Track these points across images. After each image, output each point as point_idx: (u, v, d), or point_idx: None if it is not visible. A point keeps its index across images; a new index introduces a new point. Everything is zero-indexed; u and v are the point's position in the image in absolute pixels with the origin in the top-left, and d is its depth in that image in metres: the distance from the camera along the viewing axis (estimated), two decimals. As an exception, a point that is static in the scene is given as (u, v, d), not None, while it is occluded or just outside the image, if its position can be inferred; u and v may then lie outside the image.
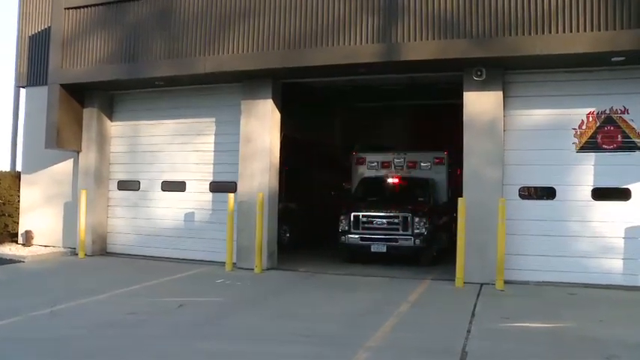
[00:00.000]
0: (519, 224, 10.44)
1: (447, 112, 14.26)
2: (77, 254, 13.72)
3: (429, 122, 15.58)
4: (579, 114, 10.36)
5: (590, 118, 10.33)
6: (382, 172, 14.97)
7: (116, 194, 14.40)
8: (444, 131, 13.80)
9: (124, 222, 14.22)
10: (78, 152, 14.19)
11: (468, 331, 7.29)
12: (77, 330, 7.28)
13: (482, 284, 10.13)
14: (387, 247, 12.40)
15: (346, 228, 12.80)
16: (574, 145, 10.36)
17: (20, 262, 12.99)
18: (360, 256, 12.98)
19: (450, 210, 13.57)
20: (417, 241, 12.31)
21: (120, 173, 14.39)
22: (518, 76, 10.64)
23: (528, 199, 10.62)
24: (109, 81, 13.09)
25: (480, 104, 10.57)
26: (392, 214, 12.63)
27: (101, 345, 6.67)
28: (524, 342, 6.86)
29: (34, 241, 14.67)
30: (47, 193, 14.76)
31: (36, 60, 15.10)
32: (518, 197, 10.59)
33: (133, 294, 9.64)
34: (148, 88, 13.66)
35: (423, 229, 12.42)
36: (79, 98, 13.99)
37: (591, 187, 10.28)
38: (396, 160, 14.98)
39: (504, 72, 10.58)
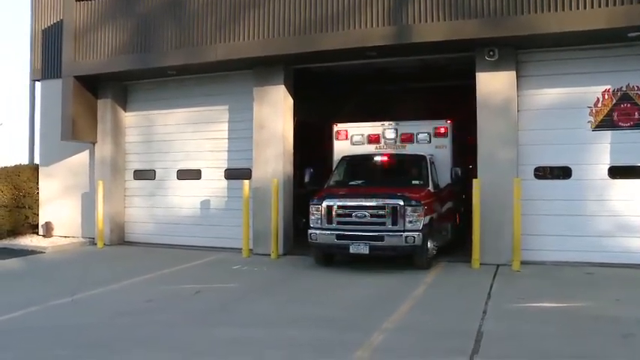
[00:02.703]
0: (535, 204, 10.36)
1: (459, 93, 13.67)
2: (96, 244, 13.91)
3: (442, 104, 14.41)
4: (594, 92, 10.21)
5: (606, 96, 10.18)
6: (370, 149, 12.07)
7: (132, 184, 14.55)
8: (457, 113, 13.05)
9: (141, 211, 14.37)
10: (93, 143, 14.34)
11: (484, 312, 7.30)
12: (96, 318, 7.41)
13: (498, 265, 10.11)
14: (370, 247, 9.71)
15: (318, 222, 10.19)
16: (589, 123, 10.23)
17: (41, 252, 13.22)
18: (336, 258, 10.80)
19: (456, 193, 11.97)
20: (410, 239, 9.64)
21: (135, 163, 14.52)
22: (532, 55, 10.51)
23: (544, 179, 10.54)
24: (122, 72, 13.19)
25: (492, 85, 10.48)
26: (376, 203, 9.92)
27: (119, 332, 6.79)
28: (540, 322, 6.85)
29: (54, 232, 14.88)
30: (65, 184, 14.95)
31: (49, 53, 15.21)
32: (533, 177, 10.52)
33: (151, 282, 9.77)
34: (161, 78, 13.72)
35: (418, 223, 9.72)
36: (92, 90, 14.11)
37: (608, 166, 10.16)
38: (386, 133, 11.98)
39: (517, 51, 10.45)
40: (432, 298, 8.22)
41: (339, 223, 10.04)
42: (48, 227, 14.88)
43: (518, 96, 10.49)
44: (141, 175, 14.44)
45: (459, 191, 12.01)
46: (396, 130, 11.95)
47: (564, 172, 10.41)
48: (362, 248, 9.76)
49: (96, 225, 13.97)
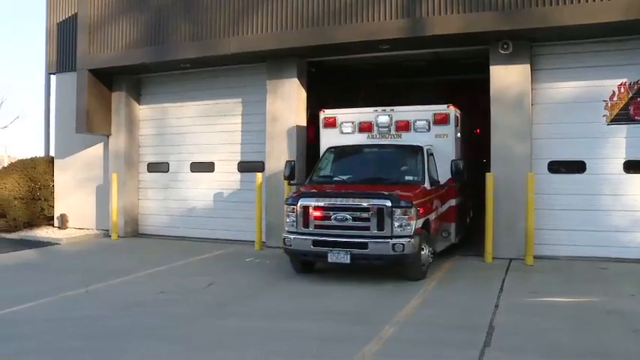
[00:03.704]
0: (549, 199, 10.31)
1: (471, 86, 13.13)
2: (110, 236, 14.04)
3: (453, 97, 13.94)
4: (610, 85, 10.10)
5: (622, 89, 10.07)
6: (361, 138, 10.73)
7: (146, 176, 14.65)
8: (472, 106, 12.83)
9: (155, 203, 14.47)
10: (108, 136, 14.46)
11: (496, 306, 7.29)
12: (110, 309, 7.49)
13: (511, 259, 10.08)
14: (352, 255, 8.40)
15: (293, 225, 8.90)
16: (604, 117, 10.12)
17: (56, 244, 13.38)
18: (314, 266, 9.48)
19: (462, 189, 10.94)
20: (399, 246, 8.24)
21: (149, 156, 14.61)
22: (546, 48, 10.42)
23: (558, 173, 10.45)
24: (136, 65, 13.26)
25: (506, 78, 10.40)
26: (359, 204, 8.51)
27: (132, 323, 6.86)
28: (552, 317, 6.82)
29: (68, 224, 15.05)
30: (80, 177, 15.09)
31: (64, 47, 15.33)
32: (547, 171, 10.44)
33: (164, 274, 9.84)
34: (175, 71, 13.78)
35: (409, 227, 8.35)
36: (107, 83, 14.22)
37: (623, 160, 10.06)
38: (379, 120, 10.59)
39: (531, 44, 10.36)
40: (443, 292, 8.20)
41: (316, 226, 8.70)
42: (63, 219, 15.04)
43: (532, 89, 10.41)
44: (155, 167, 14.53)
45: (466, 186, 11.38)
46: (391, 116, 10.58)
47: (579, 167, 10.31)
48: (342, 257, 8.45)
49: (110, 217, 14.11)
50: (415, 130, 10.38)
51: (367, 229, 8.46)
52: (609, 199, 10.09)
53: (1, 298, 8.00)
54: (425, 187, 9.19)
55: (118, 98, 14.37)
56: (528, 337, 6.08)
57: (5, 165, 17.73)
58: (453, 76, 13.89)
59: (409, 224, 8.37)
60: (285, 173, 10.30)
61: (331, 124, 11.09)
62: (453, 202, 10.55)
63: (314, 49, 11.57)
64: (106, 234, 14.33)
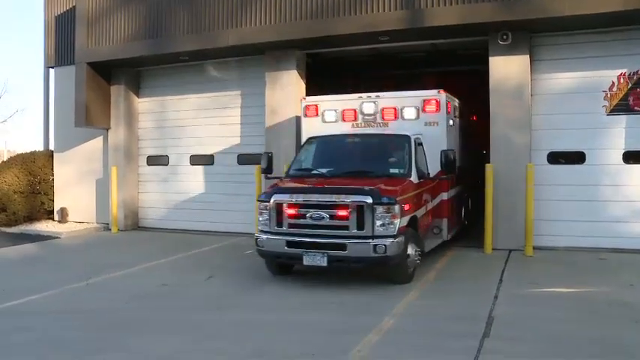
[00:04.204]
0: (548, 189, 10.31)
1: (470, 77, 13.00)
2: (110, 229, 14.07)
3: (454, 89, 13.71)
4: (609, 76, 10.08)
5: (622, 80, 10.05)
6: (345, 127, 9.99)
7: (146, 169, 14.65)
8: (470, 98, 12.78)
9: (155, 197, 14.47)
10: (107, 129, 14.45)
11: (496, 297, 7.31)
12: (111, 302, 7.53)
13: (510, 250, 10.10)
14: (329, 257, 7.66)
15: (266, 224, 8.18)
16: (604, 108, 10.11)
17: (57, 238, 13.41)
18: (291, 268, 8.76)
19: (453, 182, 10.24)
20: (380, 247, 7.50)
21: (149, 149, 14.61)
22: (546, 38, 10.39)
23: (557, 164, 10.45)
24: (135, 58, 13.23)
25: (506, 69, 10.38)
26: (336, 200, 7.76)
27: (134, 316, 6.89)
28: (551, 307, 6.84)
29: (69, 218, 15.07)
30: (79, 170, 15.09)
31: (63, 40, 15.30)
32: (546, 162, 10.44)
33: (165, 266, 9.87)
34: (173, 64, 13.76)
35: (392, 226, 7.60)
36: (106, 76, 14.19)
37: (622, 151, 10.05)
38: (364, 108, 9.87)
39: (531, 35, 10.34)
40: (443, 283, 8.22)
41: (290, 225, 7.96)
42: (63, 213, 15.06)
43: (531, 80, 10.39)
44: (154, 160, 14.54)
45: (464, 178, 11.27)
46: (376, 103, 9.85)
47: (578, 157, 10.31)
48: (318, 259, 7.70)
49: (110, 210, 14.12)
50: (403, 118, 9.66)
51: (346, 228, 7.69)
52: (609, 190, 10.09)
53: (4, 291, 8.04)
54: (411, 181, 8.47)
55: (117, 91, 14.34)
56: (528, 327, 6.11)
57: (5, 159, 17.71)
58: (452, 67, 13.82)
59: (392, 223, 7.61)
60: (261, 166, 9.75)
61: (313, 112, 10.40)
62: (444, 196, 9.83)
63: (313, 41, 11.54)
64: (106, 227, 14.35)
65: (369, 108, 9.89)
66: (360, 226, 7.62)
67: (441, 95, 9.62)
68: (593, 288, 7.71)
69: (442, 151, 8.90)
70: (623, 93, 10.02)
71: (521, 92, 10.34)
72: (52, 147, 15.92)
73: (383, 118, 9.81)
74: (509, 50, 10.31)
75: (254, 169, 12.15)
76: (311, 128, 10.27)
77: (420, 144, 9.16)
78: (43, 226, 14.56)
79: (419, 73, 14.98)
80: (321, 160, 9.46)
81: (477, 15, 9.90)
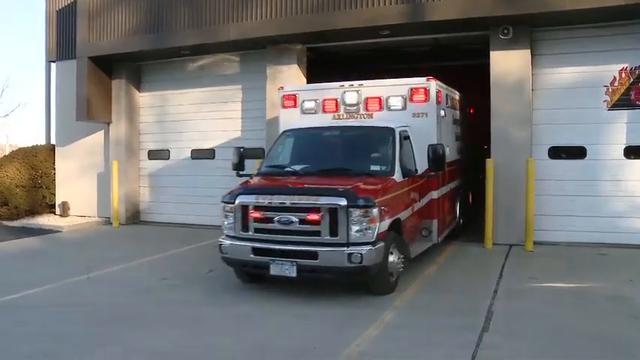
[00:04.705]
0: (549, 184, 10.30)
1: (469, 71, 12.70)
2: (112, 223, 14.09)
3: (455, 83, 13.49)
4: (611, 70, 10.04)
5: (623, 75, 10.01)
6: (326, 119, 9.22)
7: (147, 164, 14.66)
8: (470, 92, 12.71)
9: (156, 191, 14.49)
10: (108, 124, 14.46)
11: (495, 292, 7.33)
12: (111, 296, 7.55)
13: (511, 245, 10.09)
14: (299, 267, 6.88)
15: (231, 228, 7.42)
16: (605, 102, 10.08)
17: (58, 232, 13.43)
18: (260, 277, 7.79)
19: (447, 178, 9.58)
20: (356, 256, 6.70)
21: (150, 143, 14.62)
22: (547, 33, 10.35)
23: (558, 158, 10.42)
24: (135, 52, 13.24)
25: (506, 63, 10.35)
26: (306, 202, 6.97)
27: (134, 310, 6.92)
28: (551, 302, 6.86)
29: (70, 212, 15.09)
30: (81, 164, 15.10)
31: (64, 34, 15.27)
32: (547, 157, 10.41)
33: (165, 260, 9.90)
34: (175, 58, 13.76)
35: (369, 231, 6.80)
36: (107, 70, 14.19)
37: (624, 146, 10.01)
38: (346, 97, 9.14)
39: (532, 29, 10.30)
40: (443, 278, 8.23)
41: (257, 230, 7.19)
42: (64, 207, 15.09)
43: (532, 75, 10.35)
44: (155, 155, 14.54)
45: (460, 172, 11.00)
46: (359, 92, 9.12)
47: (579, 152, 10.28)
48: (287, 269, 6.92)
49: (111, 204, 14.14)
50: (388, 109, 8.90)
51: (317, 234, 6.86)
52: (610, 185, 10.07)
53: (5, 285, 8.08)
54: (394, 179, 7.63)
55: (118, 86, 14.34)
56: (527, 322, 6.12)
57: (7, 153, 17.73)
58: (453, 62, 13.76)
59: (370, 228, 6.79)
60: (233, 161, 9.03)
61: (291, 103, 9.63)
62: (434, 195, 9.02)
63: (313, 36, 11.52)
64: (108, 221, 14.38)
65: (351, 98, 9.16)
66: (334, 231, 6.80)
67: (430, 83, 8.83)
68: (594, 283, 7.71)
69: (430, 146, 8.00)
70: (625, 88, 9.99)
71: (522, 87, 10.31)
72: (53, 141, 15.92)
73: (367, 108, 9.05)
74: (510, 45, 10.29)
75: (255, 164, 12.13)
76: (289, 120, 9.47)
77: (407, 137, 8.39)
78: (45, 220, 14.59)
79: (422, 67, 14.92)
80: (295, 155, 8.70)
81: (478, 9, 9.87)
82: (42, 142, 16.40)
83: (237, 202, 7.33)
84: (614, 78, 10.03)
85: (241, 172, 8.88)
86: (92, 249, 11.30)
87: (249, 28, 11.73)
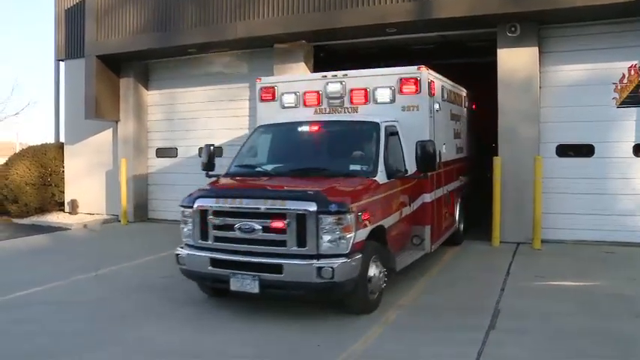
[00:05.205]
0: (556, 182, 10.25)
1: (476, 69, 12.46)
2: (120, 221, 14.16)
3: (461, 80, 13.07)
4: (620, 67, 9.96)
5: (632, 72, 9.93)
6: (307, 113, 8.40)
7: (155, 162, 14.72)
8: (478, 90, 12.63)
9: (164, 188, 14.54)
10: (117, 122, 14.54)
11: (502, 290, 7.32)
12: (118, 292, 7.61)
13: (518, 243, 10.06)
14: (262, 282, 6.03)
15: (190, 236, 6.66)
16: (614, 100, 10.01)
17: (67, 229, 13.52)
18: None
19: (436, 181, 8.47)
20: (327, 271, 5.81)
21: (158, 141, 14.68)
22: (555, 30, 10.30)
23: (566, 156, 10.36)
24: (143, 50, 13.28)
25: (514, 61, 10.31)
26: (270, 207, 6.13)
27: (139, 307, 6.96)
28: (557, 300, 6.84)
29: (79, 210, 15.18)
30: (89, 162, 15.19)
31: (72, 33, 15.35)
32: (555, 155, 10.36)
33: (171, 258, 9.87)
34: (182, 56, 13.80)
35: (343, 241, 5.94)
36: (115, 69, 14.26)
37: (633, 144, 9.93)
38: (329, 89, 8.30)
39: (540, 27, 10.24)
40: (450, 276, 8.21)
41: (217, 239, 6.36)
42: (73, 205, 15.18)
43: (540, 72, 10.30)
44: (163, 152, 14.60)
45: (463, 170, 10.51)
46: (343, 84, 8.26)
47: (587, 150, 10.21)
48: (248, 284, 6.06)
49: (120, 202, 14.21)
50: (375, 102, 8.07)
51: (283, 244, 6.01)
52: (618, 183, 10.01)
53: (13, 281, 8.16)
54: (376, 181, 6.78)
55: (126, 84, 14.41)
56: (534, 320, 6.11)
57: (17, 151, 17.86)
58: (461, 59, 13.68)
59: (344, 237, 5.91)
60: (202, 160, 8.20)
61: (270, 96, 8.80)
62: (427, 198, 8.09)
63: (320, 34, 11.52)
64: (116, 219, 14.45)
65: (334, 89, 8.29)
66: (302, 241, 5.94)
67: (422, 72, 7.94)
68: (600, 282, 7.67)
69: (418, 143, 7.08)
70: (634, 85, 9.91)
71: (530, 84, 10.26)
72: (62, 139, 16.03)
73: (352, 101, 8.21)
74: (518, 42, 10.24)
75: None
76: (267, 115, 8.66)
77: (394, 133, 7.55)
78: (54, 218, 14.69)
79: (429, 66, 14.82)
80: (268, 154, 7.98)
81: (486, 6, 9.83)
82: (51, 140, 16.51)
83: (195, 206, 6.50)
84: (623, 75, 9.95)
85: (211, 173, 7.98)
86: (100, 246, 11.39)
87: (257, 27, 11.75)
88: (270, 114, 8.63)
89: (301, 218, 5.92)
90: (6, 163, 15.57)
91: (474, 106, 12.05)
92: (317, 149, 7.77)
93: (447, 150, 9.28)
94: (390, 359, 5.25)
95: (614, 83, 10.00)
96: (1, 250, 11.11)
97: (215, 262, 6.30)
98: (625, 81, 9.96)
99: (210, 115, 13.79)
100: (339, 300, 6.35)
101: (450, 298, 7.09)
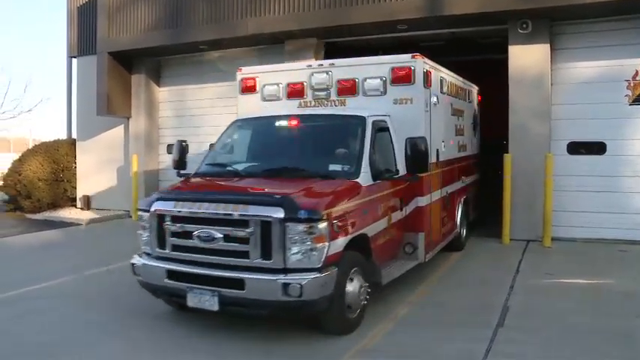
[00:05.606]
0: (568, 180, 10.19)
1: (485, 65, 12.39)
2: (131, 217, 14.24)
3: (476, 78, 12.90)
4: (633, 64, 9.88)
5: (645, 69, 9.88)
6: (290, 106, 7.68)
7: (166, 158, 14.79)
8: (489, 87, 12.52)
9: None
10: (128, 118, 14.63)
11: (511, 287, 7.30)
12: (128, 287, 7.60)
13: (528, 241, 10.03)
14: (221, 298, 5.30)
15: (147, 244, 5.92)
16: (626, 97, 9.93)
17: (79, 225, 13.63)
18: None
19: (433, 182, 7.70)
20: (294, 288, 5.07)
21: (169, 137, 14.73)
22: (566, 27, 10.23)
23: (577, 154, 10.30)
24: (155, 47, 13.36)
25: (525, 58, 10.26)
26: (232, 213, 5.34)
27: (149, 302, 6.98)
28: (567, 299, 6.81)
29: (91, 205, 15.31)
30: (101, 158, 15.31)
31: (85, 30, 15.46)
32: (566, 152, 10.30)
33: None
34: (193, 53, 13.86)
35: (314, 253, 5.18)
36: (126, 65, 14.36)
37: (645, 141, 9.90)
38: (314, 80, 7.60)
39: (551, 23, 10.19)
40: (459, 273, 8.21)
41: (174, 248, 5.64)
42: (85, 200, 15.31)
43: (551, 69, 10.24)
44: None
45: (464, 170, 9.82)
46: (330, 74, 7.53)
47: (599, 148, 10.15)
48: (207, 300, 5.35)
49: (131, 198, 14.30)
50: (365, 94, 7.33)
51: (246, 255, 5.27)
52: (630, 181, 9.93)
53: (26, 276, 8.26)
54: (358, 183, 6.01)
55: (137, 81, 14.50)
56: (542, 318, 6.10)
57: (30, 147, 18.02)
58: (472, 56, 13.61)
59: (316, 248, 5.16)
60: (173, 157, 7.47)
61: (251, 88, 8.04)
62: (421, 202, 7.30)
63: (331, 30, 11.53)
64: (127, 214, 14.55)
65: (320, 80, 7.56)
66: (267, 253, 5.19)
67: (416, 61, 7.19)
68: (611, 280, 7.64)
69: (407, 140, 6.39)
70: (647, 82, 9.86)
71: (541, 81, 10.21)
72: (74, 135, 16.16)
73: (339, 93, 7.49)
74: (529, 39, 10.19)
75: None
76: (247, 108, 7.93)
77: (384, 129, 6.83)
78: (67, 213, 14.82)
79: (440, 63, 14.75)
80: (244, 151, 7.22)
81: (497, 3, 9.80)
82: (63, 136, 16.63)
83: (152, 209, 5.77)
84: (636, 72, 9.87)
85: (182, 172, 7.22)
86: (111, 241, 11.46)
87: (268, 23, 11.77)
88: (251, 107, 7.91)
89: (266, 226, 5.17)
90: (19, 159, 15.72)
91: (478, 98, 11.87)
92: (296, 147, 6.96)
93: (446, 148, 8.54)
94: (401, 353, 5.28)
95: (626, 80, 9.92)
96: (14, 245, 11.25)
97: (172, 274, 5.57)
98: (638, 78, 9.88)
99: (221, 111, 13.76)
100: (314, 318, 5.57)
101: (458, 295, 7.09)
